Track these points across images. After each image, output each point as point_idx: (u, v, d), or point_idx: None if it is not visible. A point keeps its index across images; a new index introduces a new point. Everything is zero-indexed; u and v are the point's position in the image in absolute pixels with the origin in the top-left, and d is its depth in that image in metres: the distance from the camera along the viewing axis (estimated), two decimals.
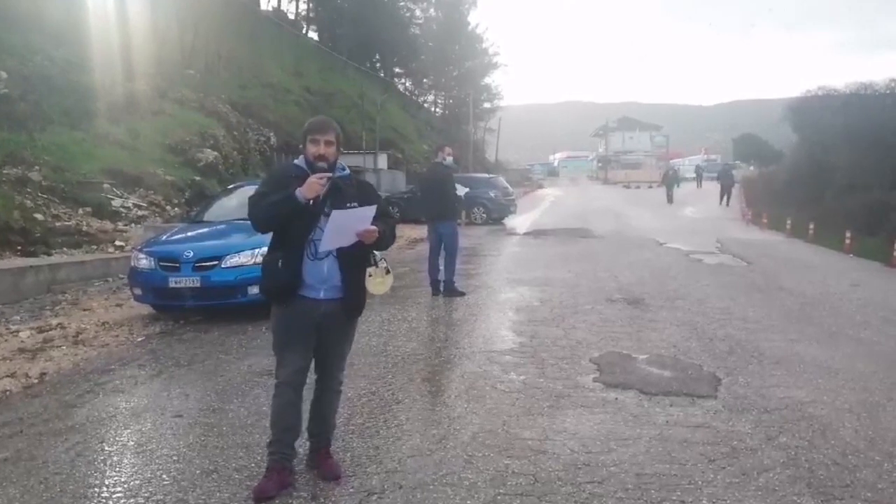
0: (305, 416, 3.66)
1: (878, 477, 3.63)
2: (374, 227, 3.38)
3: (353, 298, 3.53)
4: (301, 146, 3.55)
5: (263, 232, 3.52)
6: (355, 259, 3.49)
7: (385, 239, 3.50)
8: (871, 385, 5.24)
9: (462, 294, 8.98)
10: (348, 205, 3.38)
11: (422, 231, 15.66)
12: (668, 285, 9.77)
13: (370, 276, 3.60)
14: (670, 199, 31.03)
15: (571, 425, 4.36)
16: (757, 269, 11.81)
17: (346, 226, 3.32)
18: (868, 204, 17.38)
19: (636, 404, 4.77)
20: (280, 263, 3.39)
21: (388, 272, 3.68)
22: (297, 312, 3.43)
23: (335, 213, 3.29)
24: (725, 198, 29.73)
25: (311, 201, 3.30)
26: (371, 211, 3.40)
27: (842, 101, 25.52)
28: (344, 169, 3.53)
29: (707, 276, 10.87)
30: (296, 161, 3.60)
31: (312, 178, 3.29)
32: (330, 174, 3.37)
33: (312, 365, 3.61)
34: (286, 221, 3.35)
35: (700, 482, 3.55)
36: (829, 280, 10.68)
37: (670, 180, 32.70)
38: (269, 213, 3.37)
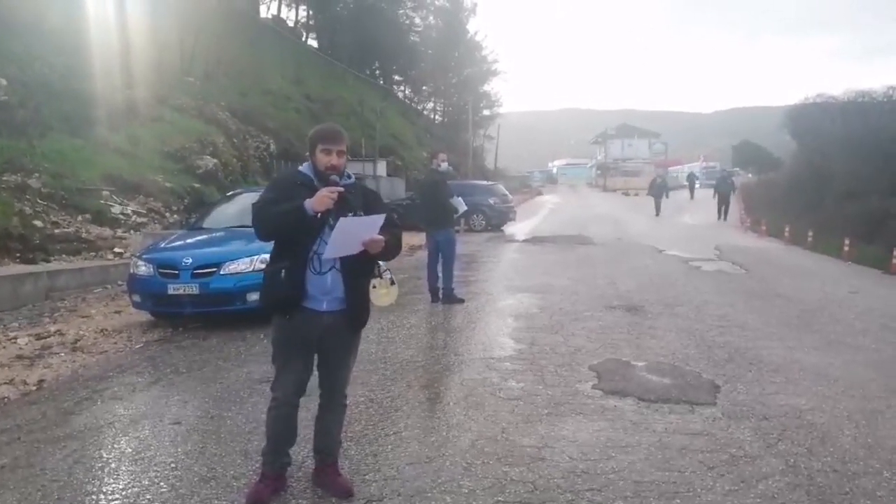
0: (303, 424, 3.66)
1: (878, 485, 3.63)
2: (380, 237, 3.27)
3: (356, 310, 3.43)
4: (308, 153, 3.44)
5: (266, 240, 3.44)
6: (359, 270, 3.40)
7: (390, 249, 3.39)
8: (870, 392, 5.24)
9: (461, 301, 8.98)
10: (353, 214, 3.27)
11: (421, 238, 15.66)
12: (667, 292, 9.77)
13: (374, 287, 3.51)
14: (658, 211, 28.28)
15: (570, 432, 4.36)
16: (756, 276, 11.82)
17: (352, 234, 3.22)
18: (867, 211, 17.40)
19: (635, 411, 4.76)
20: (283, 274, 3.31)
21: (392, 283, 3.59)
22: (299, 324, 3.35)
23: (342, 221, 3.15)
24: (723, 209, 26.46)
25: (320, 214, 3.21)
26: (379, 220, 3.30)
27: (840, 109, 25.66)
28: (350, 177, 3.45)
29: (706, 283, 10.88)
30: (300, 168, 3.50)
31: (324, 192, 3.17)
32: (341, 188, 3.25)
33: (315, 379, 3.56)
34: (291, 232, 3.26)
35: (699, 489, 3.55)
36: (828, 287, 10.69)
37: (658, 189, 29.47)
38: (275, 223, 3.28)
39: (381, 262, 3.55)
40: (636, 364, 5.98)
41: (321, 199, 3.17)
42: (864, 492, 3.55)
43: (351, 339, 3.53)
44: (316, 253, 3.29)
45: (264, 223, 3.32)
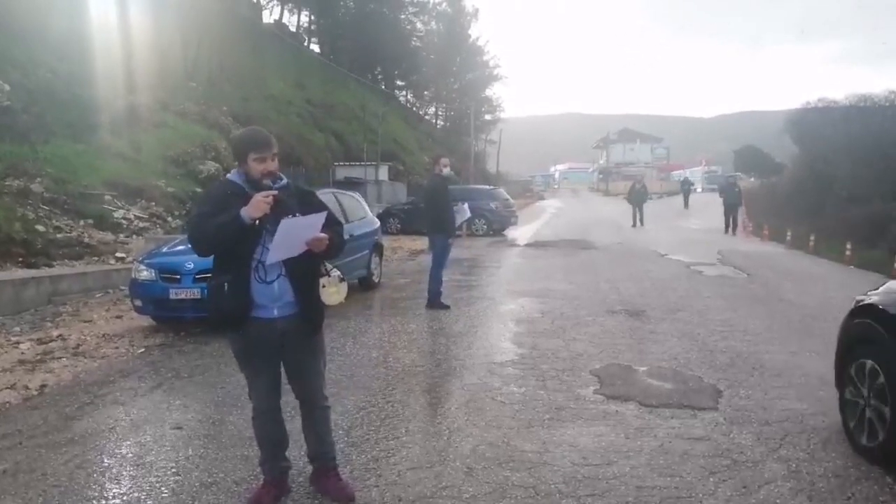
0: (293, 428, 3.65)
1: (881, 489, 3.62)
2: (323, 235, 3.24)
3: (310, 312, 3.37)
4: (238, 162, 3.33)
5: (205, 255, 3.33)
6: (306, 272, 3.34)
7: (334, 247, 3.35)
8: None
9: (446, 307, 8.86)
10: (291, 216, 3.18)
11: (423, 242, 15.70)
12: (669, 297, 9.76)
13: (324, 286, 3.45)
14: (635, 222, 24.93)
15: (572, 437, 4.35)
16: (758, 280, 11.80)
17: (295, 235, 3.16)
18: (869, 216, 17.39)
19: (637, 416, 4.76)
20: (226, 287, 3.23)
21: (341, 280, 3.54)
22: (254, 335, 3.29)
23: (284, 222, 3.09)
24: (731, 221, 22.69)
25: (258, 220, 3.13)
26: (321, 218, 3.26)
27: (842, 113, 25.63)
28: (282, 178, 3.35)
29: (708, 287, 10.86)
30: (230, 177, 3.40)
31: (259, 197, 3.10)
32: (276, 192, 3.19)
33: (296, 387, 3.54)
34: (231, 244, 3.17)
35: (701, 495, 3.54)
36: (830, 292, 10.66)
37: (638, 196, 25.78)
38: (214, 237, 3.17)
39: (326, 262, 3.50)
40: (638, 369, 5.98)
41: (257, 205, 3.09)
42: (867, 497, 3.54)
43: (312, 341, 3.47)
44: (259, 262, 3.22)
45: (202, 238, 3.23)
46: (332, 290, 3.49)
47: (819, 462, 3.97)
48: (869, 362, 4.13)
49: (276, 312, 3.29)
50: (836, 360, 4.66)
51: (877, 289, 4.51)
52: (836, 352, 4.69)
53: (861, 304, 4.47)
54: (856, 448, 4.12)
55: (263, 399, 3.45)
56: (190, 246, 3.48)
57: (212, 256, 3.35)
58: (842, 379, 4.52)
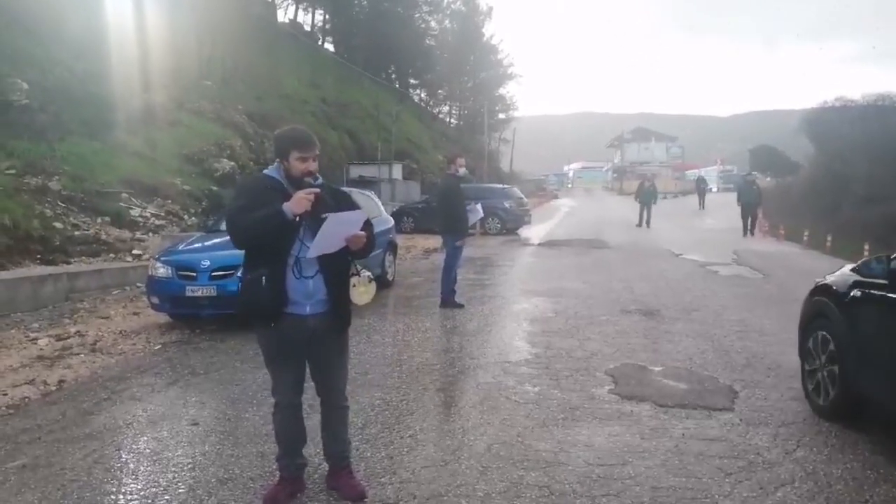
0: (317, 427, 3.67)
1: None
2: (362, 233, 3.29)
3: (340, 311, 3.43)
4: (278, 158, 3.38)
5: (242, 248, 3.37)
6: (339, 271, 3.40)
7: (369, 245, 3.41)
8: None
9: (460, 306, 8.85)
10: (323, 216, 3.19)
11: (437, 241, 15.70)
12: (684, 297, 9.71)
13: (354, 286, 3.50)
14: (641, 221, 24.28)
15: (586, 437, 4.34)
16: (774, 280, 11.71)
17: (336, 231, 3.21)
18: (886, 216, 17.19)
19: (652, 417, 4.74)
20: (264, 281, 3.25)
21: (370, 280, 3.60)
22: (287, 331, 3.32)
23: (330, 217, 3.15)
24: (749, 222, 21.32)
25: (299, 217, 3.19)
26: (363, 215, 3.32)
27: (859, 112, 25.35)
28: (318, 178, 3.40)
29: (723, 287, 10.79)
30: (267, 172, 3.46)
31: (301, 194, 3.16)
32: (318, 190, 3.24)
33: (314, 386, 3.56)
34: (270, 238, 3.21)
35: (717, 496, 3.52)
36: None
37: (646, 195, 24.87)
38: (254, 230, 3.20)
39: (356, 262, 3.54)
40: (653, 369, 5.95)
41: (299, 202, 3.14)
42: (884, 500, 3.51)
43: (340, 339, 3.51)
44: (297, 257, 3.26)
45: (242, 231, 3.26)
46: (362, 290, 3.55)
47: (836, 464, 3.94)
48: (823, 333, 4.80)
49: (308, 309, 3.33)
50: (799, 334, 5.26)
51: (834, 272, 5.21)
52: (798, 326, 5.29)
53: (819, 285, 5.15)
54: (815, 409, 4.79)
55: (287, 395, 3.47)
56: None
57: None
58: (803, 350, 5.14)
